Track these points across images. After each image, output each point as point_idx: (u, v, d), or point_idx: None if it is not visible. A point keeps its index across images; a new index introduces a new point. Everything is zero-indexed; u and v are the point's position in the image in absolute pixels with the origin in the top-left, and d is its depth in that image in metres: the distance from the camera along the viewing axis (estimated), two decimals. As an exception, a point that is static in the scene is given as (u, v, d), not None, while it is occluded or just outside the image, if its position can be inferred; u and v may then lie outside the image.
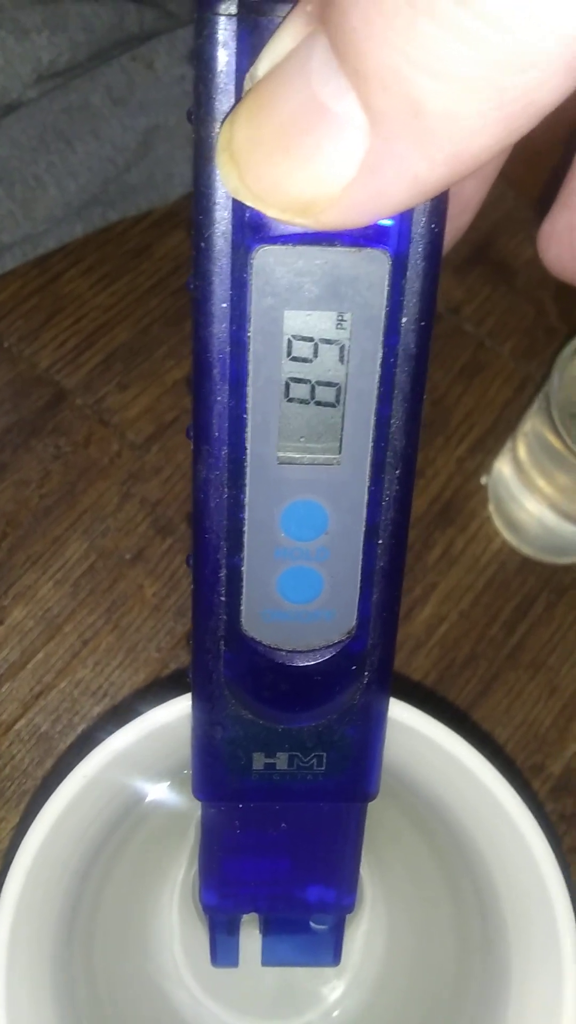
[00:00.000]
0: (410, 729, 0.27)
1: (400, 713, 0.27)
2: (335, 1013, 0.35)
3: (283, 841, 0.26)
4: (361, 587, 0.21)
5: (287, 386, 0.18)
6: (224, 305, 0.18)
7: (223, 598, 0.21)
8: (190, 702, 0.23)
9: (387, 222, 0.17)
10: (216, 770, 0.23)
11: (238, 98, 0.16)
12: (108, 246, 0.47)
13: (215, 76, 0.16)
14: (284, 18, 0.14)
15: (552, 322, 0.49)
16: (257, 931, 0.30)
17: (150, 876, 0.35)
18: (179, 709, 0.26)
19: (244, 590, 0.21)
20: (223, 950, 0.29)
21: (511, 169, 0.22)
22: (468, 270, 0.49)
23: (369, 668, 0.22)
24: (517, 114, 0.12)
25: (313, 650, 0.22)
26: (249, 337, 0.18)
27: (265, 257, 0.17)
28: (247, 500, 0.20)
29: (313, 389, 0.19)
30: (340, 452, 0.19)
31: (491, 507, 0.45)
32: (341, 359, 0.18)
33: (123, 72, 0.44)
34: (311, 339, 0.18)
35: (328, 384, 0.18)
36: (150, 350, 0.45)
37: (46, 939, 0.27)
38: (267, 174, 0.14)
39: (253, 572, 0.21)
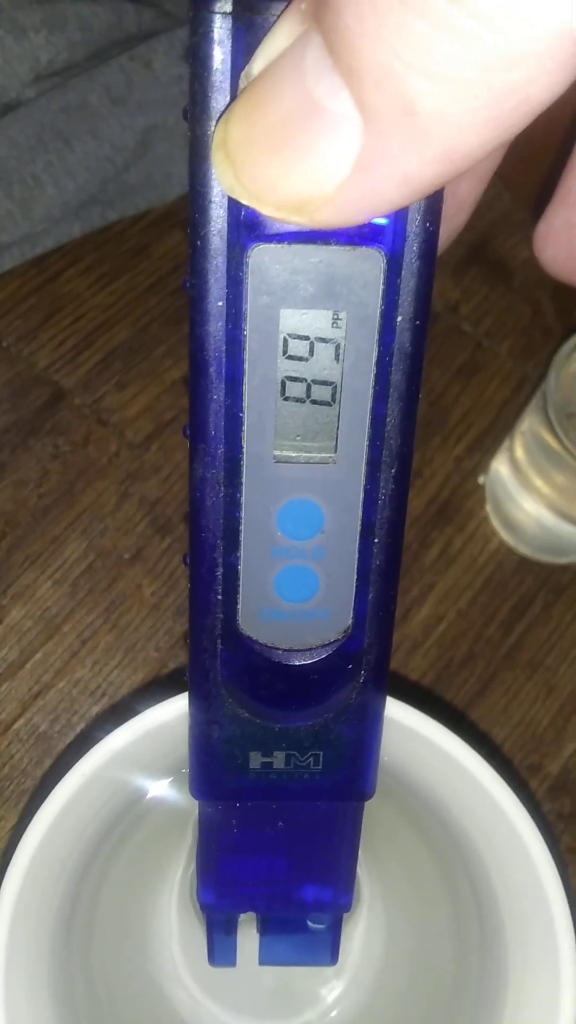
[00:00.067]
0: (408, 729, 0.27)
1: (398, 713, 0.27)
2: (333, 1013, 0.35)
3: (280, 840, 0.26)
4: (357, 586, 0.21)
5: (283, 385, 0.18)
6: (220, 304, 0.18)
7: (220, 597, 0.21)
8: (187, 701, 0.23)
9: (382, 221, 0.17)
10: (213, 769, 0.23)
11: (233, 96, 0.16)
12: (107, 246, 0.47)
13: (210, 74, 0.16)
14: (279, 16, 0.14)
15: (549, 322, 0.49)
16: (255, 930, 0.30)
17: (148, 875, 0.35)
18: (177, 708, 0.26)
19: (241, 589, 0.21)
20: (221, 949, 0.29)
21: (507, 169, 0.22)
22: (465, 270, 0.49)
23: (365, 667, 0.22)
24: (509, 112, 0.12)
25: (309, 649, 0.22)
26: (245, 336, 0.18)
27: (261, 255, 0.17)
28: (243, 499, 0.20)
29: (309, 388, 0.19)
30: (336, 451, 0.19)
31: (488, 507, 0.45)
32: (337, 358, 0.18)
33: (121, 72, 0.44)
34: (307, 338, 0.18)
35: (324, 383, 0.19)
36: (149, 349, 0.45)
37: (44, 938, 0.27)
38: (262, 172, 0.14)
39: (249, 571, 0.21)
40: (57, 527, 0.42)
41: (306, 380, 0.18)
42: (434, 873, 0.33)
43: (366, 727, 0.23)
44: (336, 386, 0.19)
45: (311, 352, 0.18)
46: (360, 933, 0.35)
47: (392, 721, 0.26)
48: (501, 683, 0.42)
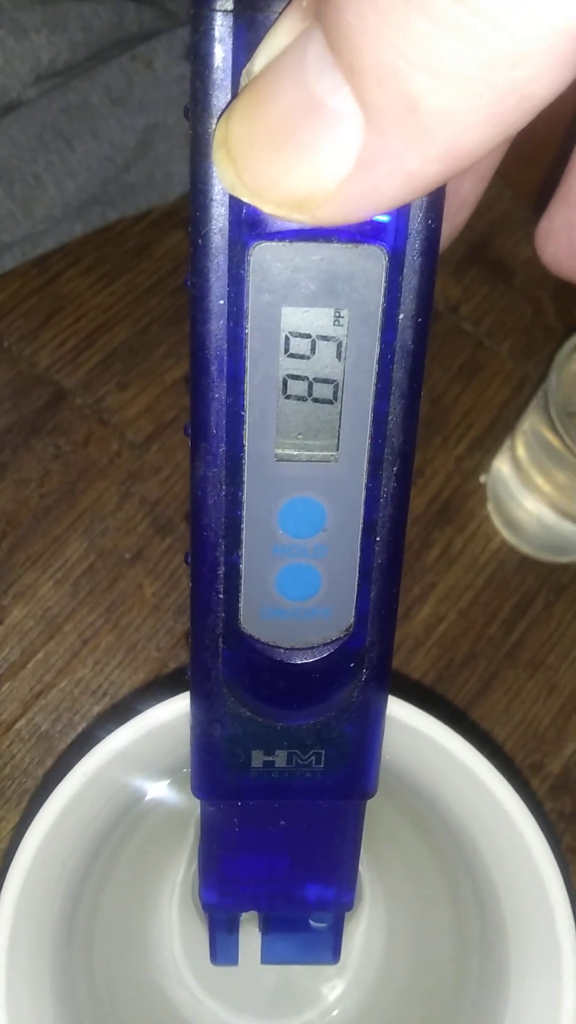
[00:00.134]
0: (409, 728, 0.27)
1: (399, 712, 0.27)
2: (334, 1012, 0.35)
3: (282, 839, 0.26)
4: (359, 584, 0.21)
5: (284, 383, 0.18)
6: (221, 302, 0.18)
7: (221, 596, 0.21)
8: (189, 700, 0.23)
9: (383, 218, 0.17)
10: (215, 768, 0.23)
11: (234, 94, 0.16)
12: (107, 246, 0.47)
13: (211, 72, 0.16)
14: (280, 14, 0.14)
15: (550, 321, 0.49)
16: (257, 929, 0.30)
17: (150, 875, 0.35)
18: (178, 707, 0.26)
19: (242, 587, 0.21)
20: (223, 948, 0.29)
21: (509, 168, 0.22)
22: (466, 269, 0.49)
23: (367, 665, 0.22)
24: (512, 110, 0.12)
25: (311, 647, 0.22)
26: (246, 334, 0.18)
27: (262, 254, 0.17)
28: (245, 497, 0.20)
29: (310, 386, 0.19)
30: (338, 449, 0.19)
31: (490, 506, 0.45)
32: (338, 356, 0.18)
33: (122, 71, 0.44)
34: (308, 336, 0.18)
35: (325, 381, 0.18)
36: (149, 349, 0.45)
37: (46, 938, 0.27)
38: (263, 170, 0.14)
39: (251, 569, 0.21)
40: (58, 527, 0.42)
41: (308, 378, 0.18)
42: (436, 872, 0.33)
43: (368, 726, 0.23)
44: (338, 384, 0.19)
45: (313, 350, 0.18)
46: (362, 932, 0.35)
47: (394, 720, 0.26)
48: (502, 682, 0.42)
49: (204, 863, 0.27)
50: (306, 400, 0.19)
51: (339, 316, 0.18)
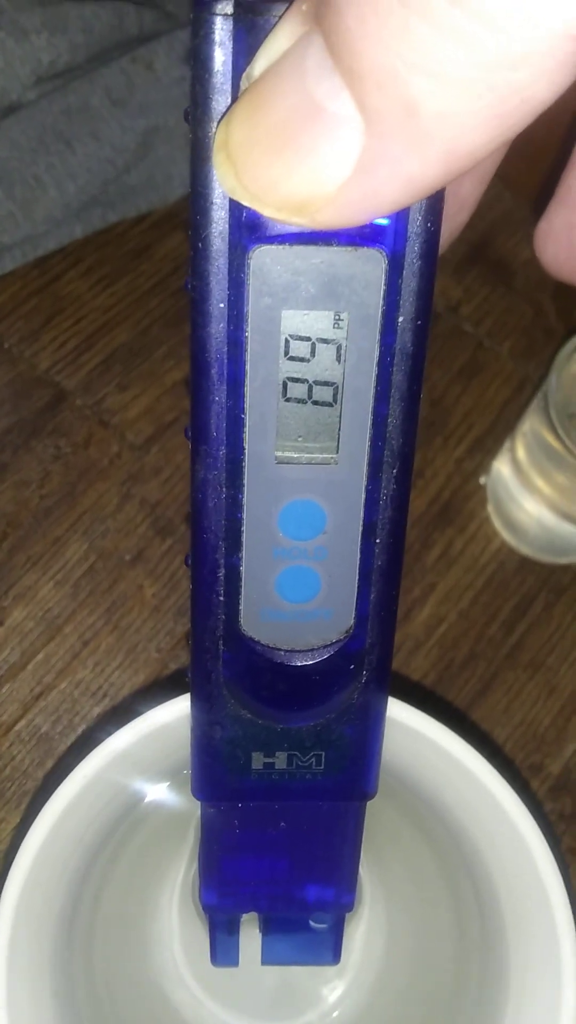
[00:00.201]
0: (409, 729, 0.27)
1: (399, 713, 0.27)
2: (335, 1013, 0.35)
3: (282, 840, 0.26)
4: (359, 586, 0.21)
5: (284, 386, 0.18)
6: (222, 305, 0.18)
7: (222, 598, 0.21)
8: (189, 702, 0.23)
9: (383, 221, 0.17)
10: (215, 770, 0.23)
11: (234, 98, 0.16)
12: (108, 247, 0.47)
13: (211, 76, 0.16)
14: (280, 18, 0.14)
15: (550, 322, 0.49)
16: (257, 930, 0.30)
17: (150, 876, 0.35)
18: (178, 709, 0.26)
19: (242, 590, 0.21)
20: (223, 949, 0.29)
21: (509, 169, 0.22)
22: (466, 270, 0.49)
23: (367, 667, 0.22)
24: (511, 112, 0.12)
25: (311, 649, 0.22)
26: (246, 337, 0.18)
27: (262, 257, 0.17)
28: (245, 500, 0.20)
29: (310, 389, 0.19)
30: (337, 451, 0.19)
31: (490, 507, 0.45)
32: (338, 358, 0.18)
33: (122, 73, 0.44)
34: (308, 339, 0.18)
35: (325, 384, 0.19)
36: (150, 351, 0.45)
37: (46, 939, 0.27)
38: (263, 173, 0.14)
39: (251, 572, 0.21)
40: (58, 528, 0.42)
41: (308, 381, 0.18)
42: (436, 873, 0.33)
43: (368, 727, 0.23)
44: (338, 387, 0.19)
45: (313, 353, 0.18)
46: (362, 933, 0.35)
47: (394, 721, 0.26)
48: (502, 683, 0.42)
49: (204, 864, 0.27)
50: (306, 403, 0.19)
51: (339, 319, 0.18)
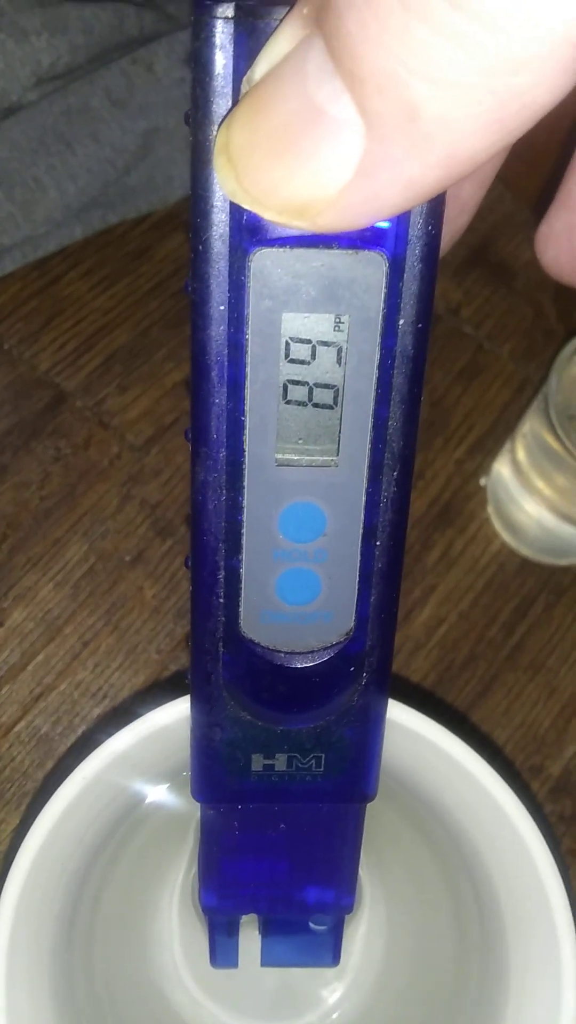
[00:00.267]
0: (409, 731, 0.27)
1: (399, 715, 0.27)
2: (334, 1015, 0.35)
3: (282, 842, 0.26)
4: (359, 588, 0.21)
5: (285, 388, 0.18)
6: (222, 308, 0.18)
7: (222, 600, 0.21)
8: (189, 704, 0.23)
9: (384, 224, 0.17)
10: (215, 772, 0.23)
11: (235, 101, 0.16)
12: (108, 248, 0.47)
13: (212, 79, 0.16)
14: (281, 21, 0.14)
15: (551, 324, 0.49)
16: (256, 932, 0.30)
17: (150, 878, 0.35)
18: (178, 711, 0.26)
19: (242, 592, 0.21)
20: (222, 951, 0.29)
21: (510, 171, 0.22)
22: (467, 272, 0.49)
23: (367, 669, 0.22)
24: (512, 116, 0.12)
25: (311, 651, 0.22)
26: (247, 339, 0.18)
27: (263, 260, 0.17)
28: (245, 502, 0.20)
29: (311, 391, 0.19)
30: (338, 454, 0.19)
31: (490, 508, 0.45)
32: (339, 361, 0.18)
33: (123, 75, 0.44)
34: (309, 341, 0.18)
35: (326, 386, 0.19)
36: (150, 352, 0.45)
37: (45, 941, 0.27)
38: (264, 177, 0.14)
39: (251, 574, 0.21)
40: (58, 529, 0.42)
41: (308, 383, 0.18)
42: (436, 875, 0.33)
43: (368, 729, 0.23)
44: (338, 389, 0.19)
45: (313, 356, 0.18)
46: (362, 935, 0.35)
47: (394, 723, 0.26)
48: (503, 685, 0.42)
49: (204, 866, 0.27)
50: (306, 405, 0.19)
51: (339, 322, 0.18)
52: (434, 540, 0.44)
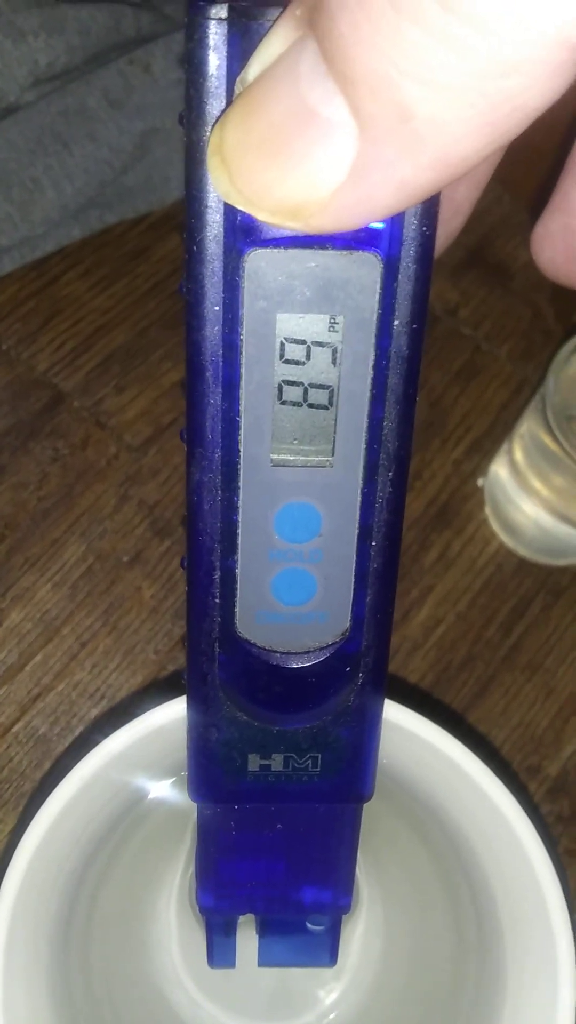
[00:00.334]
0: (406, 731, 0.27)
1: (396, 715, 0.27)
2: (332, 1015, 0.35)
3: (279, 842, 0.26)
4: (355, 589, 0.21)
5: (280, 389, 0.19)
6: (216, 308, 0.18)
7: (217, 600, 0.21)
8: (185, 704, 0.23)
9: (378, 225, 0.17)
10: (212, 772, 0.23)
11: (229, 102, 0.16)
12: (106, 249, 0.47)
13: (206, 80, 0.16)
14: (274, 22, 0.14)
15: (549, 324, 0.49)
16: (254, 932, 0.30)
17: (147, 878, 0.35)
18: (175, 711, 0.26)
19: (238, 592, 0.21)
20: (220, 951, 0.29)
21: (507, 172, 0.22)
22: (465, 273, 0.49)
23: (363, 669, 0.22)
24: (504, 119, 0.12)
25: (307, 652, 0.22)
26: (242, 340, 0.18)
27: (257, 260, 0.17)
28: (240, 502, 0.20)
29: (306, 391, 0.19)
30: (333, 454, 0.19)
31: (488, 509, 0.45)
32: (334, 362, 0.18)
33: (120, 75, 0.44)
34: (304, 342, 0.18)
35: (321, 387, 0.19)
36: (147, 353, 0.45)
37: (43, 940, 0.27)
38: (257, 178, 0.14)
39: (247, 574, 0.21)
40: (56, 530, 0.42)
41: (303, 384, 0.18)
42: (433, 875, 0.33)
43: (364, 729, 0.23)
44: (333, 390, 0.19)
45: (308, 356, 0.18)
46: (359, 935, 0.35)
47: (391, 724, 0.26)
48: (500, 685, 0.42)
49: (201, 866, 0.27)
50: (301, 405, 0.19)
51: (334, 322, 0.18)
52: (432, 541, 0.44)
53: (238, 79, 0.15)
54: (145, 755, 0.27)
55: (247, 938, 0.30)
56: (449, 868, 0.31)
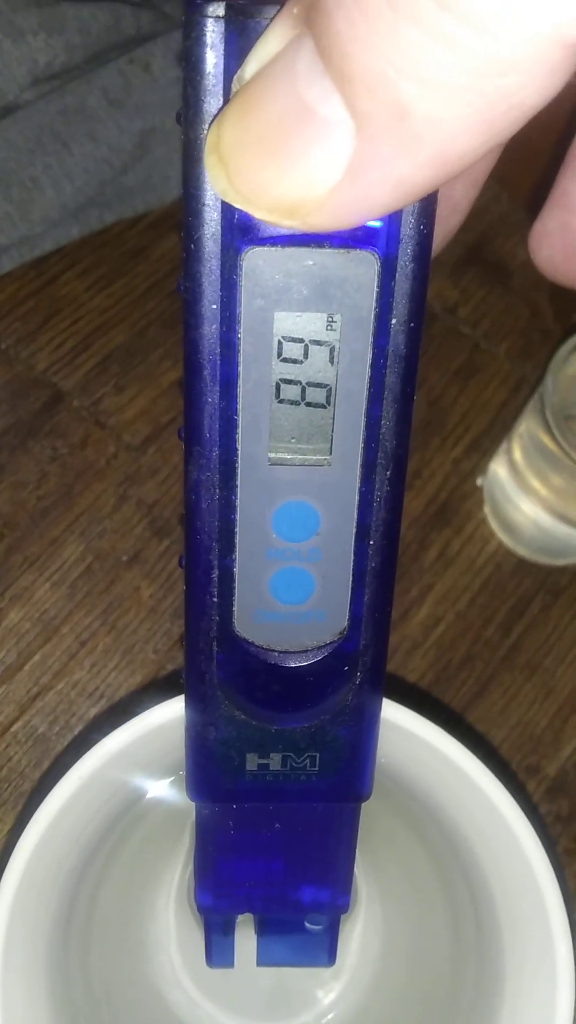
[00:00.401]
0: (405, 731, 0.27)
1: (395, 715, 0.27)
2: (330, 1015, 0.35)
3: (277, 842, 0.26)
4: (352, 588, 0.21)
5: (277, 387, 0.18)
6: (214, 307, 0.18)
7: (215, 599, 0.21)
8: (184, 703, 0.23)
9: (376, 224, 0.17)
10: (210, 771, 0.23)
11: (226, 100, 0.16)
12: (105, 248, 0.47)
13: (203, 78, 0.16)
14: (271, 21, 0.14)
15: (547, 324, 0.49)
16: (252, 931, 0.30)
17: (146, 877, 0.35)
18: (174, 710, 0.26)
19: (236, 591, 0.21)
20: (218, 951, 0.29)
21: (505, 170, 0.22)
22: (463, 271, 0.49)
23: (361, 668, 0.22)
24: (501, 117, 0.12)
25: (305, 651, 0.22)
26: (239, 339, 0.18)
27: (254, 259, 0.17)
28: (238, 501, 0.20)
29: (303, 390, 0.19)
30: (331, 453, 0.19)
31: (487, 508, 0.45)
32: (331, 360, 0.18)
33: (119, 74, 0.44)
34: (301, 340, 0.18)
35: (318, 385, 0.19)
36: (146, 352, 0.45)
37: (42, 940, 0.27)
38: (254, 176, 0.14)
39: (245, 573, 0.21)
40: (55, 529, 0.42)
41: (301, 383, 0.18)
42: (432, 875, 0.33)
43: (363, 729, 0.23)
44: (331, 388, 0.19)
45: (306, 355, 0.18)
46: (358, 934, 0.35)
47: (389, 723, 0.26)
48: (499, 684, 0.42)
49: (199, 866, 0.27)
50: (299, 404, 0.19)
51: (332, 321, 0.18)
52: (431, 540, 0.44)
53: (235, 77, 0.15)
54: (144, 754, 0.27)
55: (245, 937, 0.30)
56: (447, 867, 0.31)
